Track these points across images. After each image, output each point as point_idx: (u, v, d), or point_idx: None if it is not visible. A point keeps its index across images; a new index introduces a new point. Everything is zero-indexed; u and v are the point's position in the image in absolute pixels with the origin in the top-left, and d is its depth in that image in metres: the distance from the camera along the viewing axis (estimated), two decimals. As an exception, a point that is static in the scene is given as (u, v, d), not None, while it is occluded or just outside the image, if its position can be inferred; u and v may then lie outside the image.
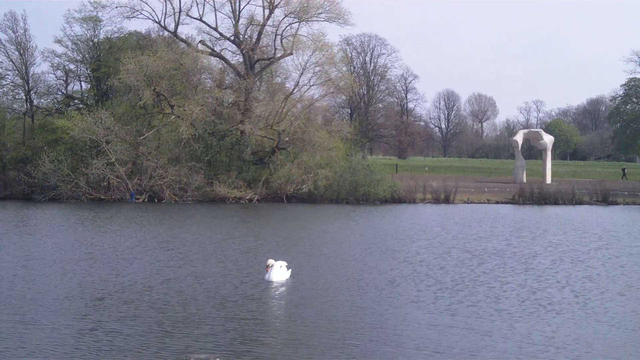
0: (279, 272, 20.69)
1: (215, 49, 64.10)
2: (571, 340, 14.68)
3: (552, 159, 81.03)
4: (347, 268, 23.37)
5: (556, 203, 57.41)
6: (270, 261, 20.88)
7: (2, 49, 64.00)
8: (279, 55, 63.11)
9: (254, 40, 62.87)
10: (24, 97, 64.57)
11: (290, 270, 21.29)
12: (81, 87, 68.54)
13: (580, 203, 58.08)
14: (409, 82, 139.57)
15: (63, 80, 67.06)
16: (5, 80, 65.29)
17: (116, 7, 61.53)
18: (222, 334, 14.79)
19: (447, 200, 57.11)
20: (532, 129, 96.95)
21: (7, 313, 16.47)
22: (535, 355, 13.52)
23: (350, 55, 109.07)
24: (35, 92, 65.32)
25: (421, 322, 16.02)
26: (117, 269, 22.58)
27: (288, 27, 62.72)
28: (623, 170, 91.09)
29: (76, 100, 66.86)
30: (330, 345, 14.14)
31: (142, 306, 17.31)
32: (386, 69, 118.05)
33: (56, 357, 13.15)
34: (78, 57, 65.57)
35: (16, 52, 63.89)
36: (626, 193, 62.49)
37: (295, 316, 16.70)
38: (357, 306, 17.60)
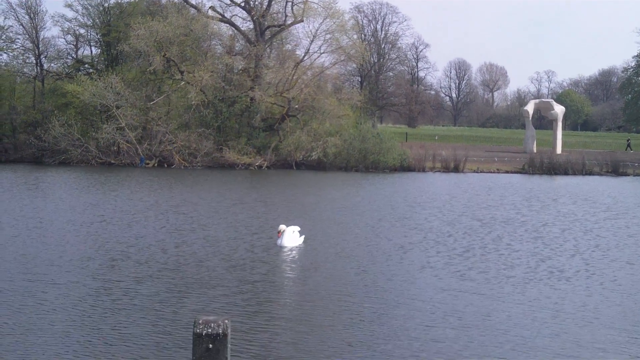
0: (291, 237, 20.81)
1: (225, 15, 63.83)
2: (579, 306, 14.79)
3: (562, 129, 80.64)
4: (358, 234, 23.54)
5: (566, 173, 57.37)
6: (282, 226, 20.97)
7: (13, 13, 63.94)
8: (289, 22, 62.83)
9: (264, 6, 62.55)
10: (34, 61, 64.49)
11: (303, 236, 21.40)
12: (91, 51, 68.47)
13: (590, 173, 58.00)
14: (420, 51, 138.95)
15: (73, 44, 66.92)
16: (16, 44, 65.28)
17: (126, -28, 61.33)
18: (233, 296, 14.98)
19: (456, 169, 57.09)
20: (543, 99, 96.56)
21: (24, 272, 16.70)
22: (545, 321, 13.63)
23: (361, 23, 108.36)
24: (45, 57, 65.24)
25: (431, 287, 16.16)
26: (130, 232, 22.78)
27: (299, -6, 62.36)
28: (628, 141, 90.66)
29: (86, 65, 66.80)
30: (341, 308, 14.29)
31: (156, 267, 17.51)
32: (397, 37, 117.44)
33: (74, 314, 13.36)
34: (88, 22, 65.42)
35: (26, 16, 63.79)
36: (636, 164, 62.32)
37: (306, 280, 16.90)
38: (368, 271, 17.76)
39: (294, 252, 20.07)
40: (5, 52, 65.59)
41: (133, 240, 21.15)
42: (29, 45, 64.32)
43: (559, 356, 11.68)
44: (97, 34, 65.47)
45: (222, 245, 20.70)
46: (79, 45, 67.13)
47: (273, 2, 62.85)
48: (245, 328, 12.67)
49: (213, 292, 15.24)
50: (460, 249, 21.02)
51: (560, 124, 77.60)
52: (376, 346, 11.94)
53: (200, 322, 6.06)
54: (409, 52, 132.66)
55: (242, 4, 62.88)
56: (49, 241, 20.79)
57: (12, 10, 63.76)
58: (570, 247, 21.87)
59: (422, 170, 56.40)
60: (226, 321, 6.10)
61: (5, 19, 64.39)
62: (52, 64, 66.70)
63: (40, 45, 64.09)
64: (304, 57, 62.99)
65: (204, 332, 6.01)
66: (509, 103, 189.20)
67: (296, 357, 11.39)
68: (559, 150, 73.63)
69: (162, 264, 17.90)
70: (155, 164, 55.11)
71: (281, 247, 20.54)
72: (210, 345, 5.98)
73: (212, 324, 6.04)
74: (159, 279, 16.35)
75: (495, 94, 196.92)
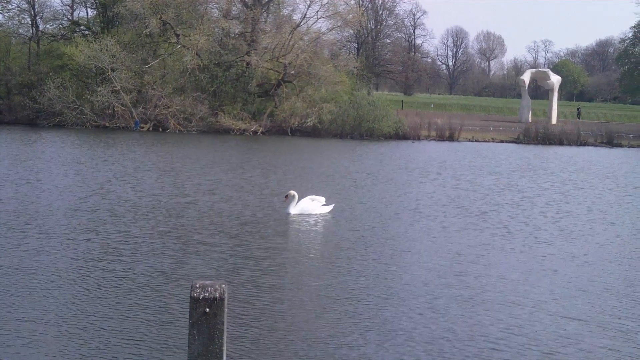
0: (303, 204, 20.48)
1: (222, -23, 63.22)
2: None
3: (558, 99, 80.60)
4: (368, 200, 23.69)
5: (561, 143, 57.41)
6: (292, 192, 20.61)
7: (8, -27, 63.23)
8: (287, -15, 62.33)
9: (262, -31, 62.00)
10: (30, 22, 63.92)
11: (332, 205, 21.01)
12: (87, 13, 67.95)
13: (585, 144, 58.09)
14: (418, 18, 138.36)
15: (69, 6, 66.40)
16: (11, 5, 64.64)
17: None
18: (233, 260, 15.07)
19: (451, 138, 57.08)
20: (539, 69, 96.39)
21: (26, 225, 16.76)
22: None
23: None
24: (41, 18, 64.69)
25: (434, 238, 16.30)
26: (128, 193, 22.77)
27: (297, -43, 61.78)
28: (578, 109, 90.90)
29: (82, 27, 66.23)
30: (348, 275, 14.43)
31: (158, 228, 17.54)
32: (395, 4, 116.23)
33: (73, 270, 13.47)
34: (84, -17, 64.82)
35: (22, -24, 63.10)
36: (631, 135, 62.39)
37: (313, 247, 17.03)
38: (384, 238, 17.89)
39: (301, 219, 19.96)
40: (0, 13, 65.01)
41: (133, 202, 21.15)
42: (25, 5, 63.72)
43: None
44: (92, -5, 64.86)
45: (224, 210, 20.72)
46: (74, 7, 66.64)
47: (270, -34, 62.27)
48: (244, 293, 12.79)
49: (212, 256, 15.33)
50: (468, 211, 21.27)
51: (556, 94, 77.55)
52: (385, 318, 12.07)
53: (197, 286, 6.10)
54: (406, 19, 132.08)
55: (240, -33, 62.29)
56: (52, 198, 20.80)
57: (7, -30, 63.09)
58: (571, 210, 22.06)
59: (417, 138, 56.35)
60: (223, 285, 6.14)
61: (0, -21, 63.52)
62: (47, 25, 66.23)
63: (35, 6, 63.47)
64: (300, 22, 62.59)
65: (201, 296, 6.06)
66: (505, 72, 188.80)
67: (295, 321, 11.53)
68: (554, 120, 73.64)
69: (163, 226, 17.97)
70: (150, 128, 54.92)
71: (288, 213, 20.35)
72: (207, 309, 6.03)
73: (209, 288, 6.08)
74: (160, 239, 16.42)
75: (492, 62, 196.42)
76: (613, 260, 16.41)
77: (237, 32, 61.76)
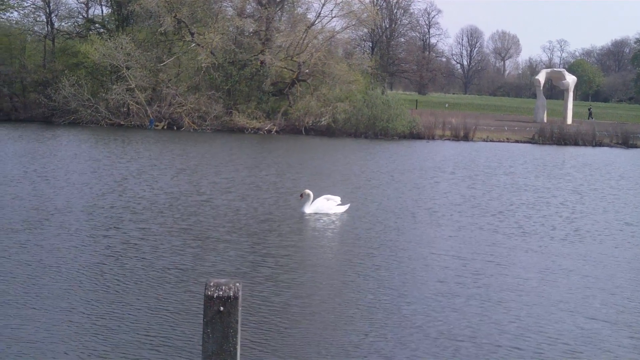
0: (318, 204, 20.40)
1: (237, -25, 63.26)
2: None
3: (573, 99, 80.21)
4: (382, 199, 23.66)
5: (576, 144, 57.09)
6: (307, 191, 20.54)
7: (23, -30, 63.45)
8: (301, -16, 62.30)
9: (276, -32, 62.01)
10: (45, 20, 64.20)
11: (347, 205, 20.88)
12: (102, 11, 68.21)
13: (600, 145, 57.74)
14: (432, 17, 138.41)
15: (84, 3, 66.61)
16: (27, 2, 64.89)
17: None
18: (249, 257, 15.11)
19: (466, 138, 56.87)
20: (554, 69, 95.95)
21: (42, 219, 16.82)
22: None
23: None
24: (56, 15, 64.96)
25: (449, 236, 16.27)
26: (145, 191, 22.86)
27: (312, -44, 61.73)
28: (589, 110, 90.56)
29: (97, 25, 66.47)
30: (365, 275, 14.43)
31: (173, 226, 17.61)
32: (409, 3, 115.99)
33: (86, 270, 13.55)
34: (99, -19, 65.03)
35: (37, -26, 63.32)
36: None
37: (329, 247, 17.03)
38: (400, 237, 17.86)
39: (316, 218, 19.95)
40: (16, 10, 65.27)
41: (150, 200, 21.23)
42: (40, 3, 63.96)
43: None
44: (108, -7, 65.08)
45: (242, 209, 20.74)
46: (89, 5, 66.86)
47: (285, -36, 62.29)
48: (262, 290, 12.85)
49: (230, 253, 15.40)
50: (485, 210, 21.18)
51: (571, 94, 77.17)
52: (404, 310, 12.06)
53: (211, 284, 6.07)
54: (420, 18, 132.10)
55: (254, -34, 62.32)
56: (72, 196, 20.90)
57: (23, -33, 63.32)
58: (585, 210, 21.95)
59: (432, 137, 56.19)
60: (237, 284, 6.11)
61: (16, -24, 63.77)
62: (62, 23, 66.49)
63: (51, 4, 63.70)
64: (315, 20, 62.57)
65: (215, 294, 6.02)
66: (520, 72, 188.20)
67: (312, 319, 11.56)
68: (569, 120, 73.28)
69: (182, 223, 18.03)
70: (165, 126, 55.07)
71: (303, 212, 20.28)
72: (221, 308, 6.00)
73: (224, 287, 6.04)
74: (178, 237, 16.49)
75: (507, 62, 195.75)
76: (630, 260, 16.36)
77: (251, 30, 61.82)
